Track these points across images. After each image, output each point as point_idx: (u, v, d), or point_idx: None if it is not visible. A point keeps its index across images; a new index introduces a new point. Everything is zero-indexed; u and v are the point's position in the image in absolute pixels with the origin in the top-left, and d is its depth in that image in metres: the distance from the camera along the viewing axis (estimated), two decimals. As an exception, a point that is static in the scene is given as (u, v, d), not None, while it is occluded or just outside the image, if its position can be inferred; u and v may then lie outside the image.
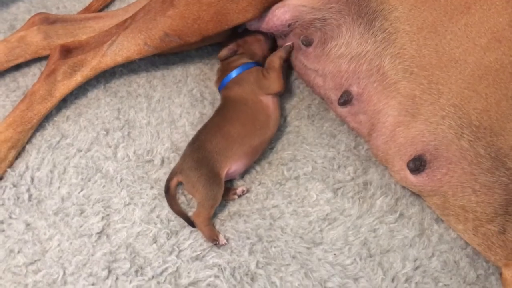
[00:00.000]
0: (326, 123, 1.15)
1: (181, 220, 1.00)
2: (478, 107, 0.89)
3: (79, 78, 1.07)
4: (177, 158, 1.06)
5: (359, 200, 1.05)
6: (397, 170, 0.98)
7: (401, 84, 0.98)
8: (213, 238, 0.96)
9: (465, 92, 0.90)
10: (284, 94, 1.16)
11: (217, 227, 0.99)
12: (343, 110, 1.06)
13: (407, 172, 0.96)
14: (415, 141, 0.95)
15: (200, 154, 0.99)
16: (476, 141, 0.89)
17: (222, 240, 0.96)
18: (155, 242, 0.98)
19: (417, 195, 1.06)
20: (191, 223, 1.00)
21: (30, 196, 1.01)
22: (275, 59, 1.08)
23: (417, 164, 0.93)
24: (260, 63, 1.14)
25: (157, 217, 1.01)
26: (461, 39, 0.92)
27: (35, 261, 0.95)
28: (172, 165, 1.05)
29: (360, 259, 0.98)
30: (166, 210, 1.02)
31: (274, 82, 1.05)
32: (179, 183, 1.01)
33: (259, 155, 1.06)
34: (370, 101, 1.01)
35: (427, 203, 1.02)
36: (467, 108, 0.90)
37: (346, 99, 1.04)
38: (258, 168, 1.08)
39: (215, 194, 0.96)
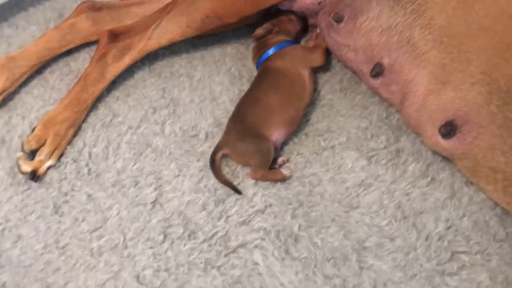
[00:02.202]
0: (358, 96, 1.21)
1: (227, 189, 1.09)
2: (506, 73, 0.94)
3: (127, 60, 1.15)
4: (220, 133, 1.14)
5: (392, 167, 1.11)
6: (429, 136, 1.04)
7: (431, 54, 1.03)
8: (281, 177, 1.06)
9: (494, 59, 0.95)
10: (317, 69, 1.23)
11: (260, 193, 1.07)
12: (375, 82, 1.12)
13: (439, 137, 1.02)
14: (446, 108, 1.00)
15: (244, 126, 1.07)
16: (505, 106, 0.94)
17: (287, 172, 1.06)
18: (204, 209, 1.08)
19: (447, 160, 1.12)
20: (237, 191, 1.08)
21: (89, 170, 1.11)
22: (322, 39, 1.17)
23: (448, 129, 0.99)
24: (296, 41, 1.21)
25: (205, 186, 1.10)
26: (490, 8, 0.96)
27: (98, 228, 1.05)
28: (216, 139, 1.14)
29: (395, 221, 1.05)
30: (212, 180, 1.10)
31: (319, 57, 1.14)
32: (224, 156, 1.11)
33: (296, 125, 1.13)
34: (401, 71, 1.07)
35: (458, 167, 1.08)
36: (496, 74, 0.94)
37: (378, 71, 1.09)
38: (295, 139, 1.15)
39: (267, 154, 1.05)
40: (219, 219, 1.07)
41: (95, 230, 1.05)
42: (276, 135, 1.09)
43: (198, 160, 1.13)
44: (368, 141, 1.14)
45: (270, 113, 1.08)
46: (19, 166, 1.08)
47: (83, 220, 1.06)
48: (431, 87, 1.04)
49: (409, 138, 1.15)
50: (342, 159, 1.12)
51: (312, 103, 1.18)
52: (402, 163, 1.12)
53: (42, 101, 1.18)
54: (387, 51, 1.08)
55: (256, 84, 1.14)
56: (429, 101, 1.04)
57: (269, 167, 1.09)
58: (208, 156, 1.12)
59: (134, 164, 1.12)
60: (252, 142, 1.07)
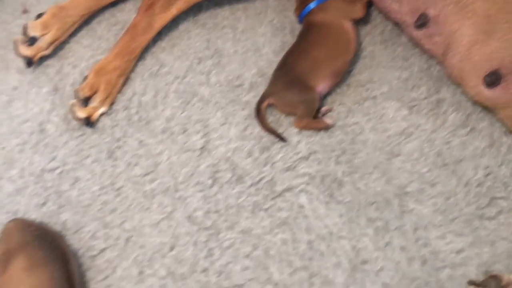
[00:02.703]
0: (398, 48, 1.22)
1: (272, 137, 1.12)
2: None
3: (174, 10, 1.17)
4: (264, 83, 1.17)
5: (433, 116, 1.14)
6: (472, 86, 1.06)
7: (477, 5, 1.04)
8: (324, 126, 1.10)
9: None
10: (358, 21, 1.24)
11: (304, 140, 1.11)
12: (418, 33, 1.13)
13: (483, 87, 1.04)
14: (491, 58, 1.02)
15: (291, 76, 1.10)
16: (550, 55, 0.95)
17: (330, 121, 1.10)
18: (250, 156, 1.12)
19: (487, 110, 1.14)
20: (282, 138, 1.12)
21: (139, 118, 1.15)
22: None
23: (493, 79, 1.01)
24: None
25: (250, 134, 1.14)
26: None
27: (150, 172, 1.10)
28: (260, 89, 1.17)
29: (436, 168, 1.09)
30: (257, 129, 1.14)
31: (360, 9, 1.16)
32: (269, 105, 1.14)
33: (341, 77, 1.16)
34: (446, 22, 1.08)
35: (499, 117, 1.10)
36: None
37: (422, 21, 1.10)
38: (338, 90, 1.18)
39: (312, 103, 1.09)
40: (265, 165, 1.12)
41: (147, 174, 1.11)
42: (322, 86, 1.12)
43: (243, 109, 1.17)
44: (409, 91, 1.17)
45: (317, 65, 1.11)
46: (73, 113, 1.12)
47: (135, 165, 1.11)
48: (476, 37, 1.05)
49: (450, 89, 1.18)
50: (384, 109, 1.15)
51: (354, 54, 1.21)
52: (442, 113, 1.15)
53: (91, 50, 1.22)
54: (433, 2, 1.09)
55: (303, 37, 1.16)
56: (473, 52, 1.05)
57: (313, 116, 1.14)
58: (252, 105, 1.16)
59: (182, 112, 1.16)
60: (299, 92, 1.10)
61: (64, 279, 0.93)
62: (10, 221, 1.01)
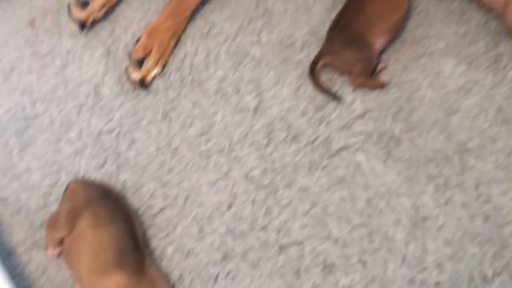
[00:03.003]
0: (454, 2, 1.18)
1: (325, 96, 1.11)
2: None
3: (224, -30, 1.17)
4: (316, 42, 1.15)
5: (492, 71, 1.10)
6: (536, 37, 1.03)
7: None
8: (380, 83, 1.08)
9: None
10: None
11: (359, 99, 1.09)
12: (477, -15, 1.10)
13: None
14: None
15: (348, 34, 1.08)
16: None
17: (386, 79, 1.09)
18: (304, 115, 1.11)
19: (549, 64, 1.11)
20: (336, 97, 1.10)
21: (192, 79, 1.15)
22: None
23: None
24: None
25: (304, 94, 1.13)
26: None
27: (205, 132, 1.11)
28: (312, 48, 1.15)
29: (496, 124, 1.06)
30: (310, 88, 1.12)
31: None
32: (324, 65, 1.13)
33: (396, 33, 1.13)
34: (509, -28, 1.04)
35: None
36: None
37: (483, -28, 1.07)
38: (392, 47, 1.15)
39: (370, 60, 1.07)
40: (320, 124, 1.11)
41: (202, 134, 1.11)
42: (379, 42, 1.09)
43: (295, 69, 1.15)
44: (466, 46, 1.13)
45: (373, 21, 1.08)
46: (128, 75, 1.13)
47: (190, 125, 1.12)
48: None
49: (509, 44, 1.13)
50: (441, 65, 1.12)
51: (406, 11, 1.17)
52: (502, 68, 1.11)
53: (141, 13, 1.21)
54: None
55: (357, -7, 1.16)
56: (537, 2, 1.02)
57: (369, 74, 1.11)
58: (305, 65, 1.14)
59: (234, 73, 1.16)
60: (357, 49, 1.08)
61: (129, 236, 0.95)
62: (73, 181, 1.04)
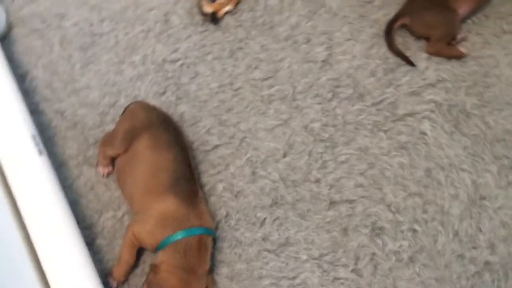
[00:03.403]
0: (546, -17, 1.14)
1: (398, 59, 1.07)
2: None
3: None
4: (395, 2, 1.11)
5: None
6: None
7: None
8: (458, 54, 1.04)
9: None
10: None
11: (433, 67, 1.05)
12: None
13: None
14: None
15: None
16: None
17: (465, 50, 1.05)
18: (373, 76, 1.08)
19: None
20: (410, 62, 1.07)
21: (263, 21, 1.12)
22: None
23: None
24: None
25: (376, 54, 1.09)
26: None
27: (269, 77, 1.09)
28: (391, 8, 1.11)
29: None
30: (383, 49, 1.09)
31: None
32: (401, 26, 1.09)
33: (484, 3, 1.08)
34: None
35: None
36: None
37: None
38: (475, 19, 1.11)
39: (451, 26, 1.03)
40: (388, 86, 1.07)
41: (266, 79, 1.09)
42: (463, 8, 1.05)
43: (371, 27, 1.11)
44: (554, 30, 1.10)
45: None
46: (200, 7, 1.10)
47: (256, 68, 1.09)
48: None
49: None
50: (524, 45, 1.09)
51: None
52: None
53: None
54: None
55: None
56: None
57: (447, 42, 1.07)
58: (381, 24, 1.10)
59: (308, 22, 1.12)
60: (439, 12, 1.04)
61: (185, 164, 0.94)
62: (135, 102, 1.03)
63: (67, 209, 0.89)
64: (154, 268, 0.86)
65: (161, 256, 0.87)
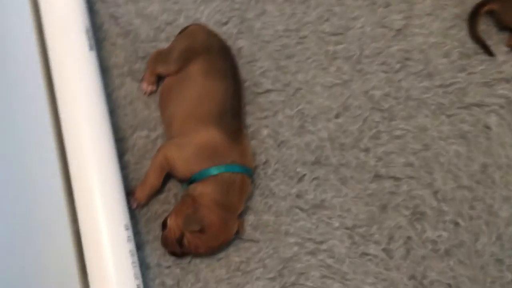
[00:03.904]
0: None
1: (476, 46, 1.00)
2: None
3: None
4: (487, -13, 1.06)
5: None
6: None
7: None
8: None
9: None
10: None
11: (511, 63, 0.99)
12: None
13: None
14: None
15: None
16: None
17: None
18: (447, 57, 1.00)
19: None
20: (489, 52, 0.99)
21: (345, -26, 1.07)
22: None
23: None
24: None
25: (454, 35, 1.02)
26: None
27: (339, 33, 1.01)
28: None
29: None
30: (464, 32, 1.02)
31: None
32: (488, 12, 1.02)
33: None
34: None
35: None
36: None
37: None
38: None
39: None
40: (461, 71, 1.00)
41: (335, 34, 1.01)
42: None
43: (455, 6, 1.04)
44: None
45: None
46: None
47: (326, 20, 1.02)
48: None
49: None
50: None
51: None
52: None
53: None
54: None
55: None
56: None
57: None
58: (467, 6, 1.03)
59: (390, -15, 1.07)
60: (534, 3, 0.98)
61: (235, 98, 0.88)
62: (197, 24, 0.96)
63: (105, 109, 0.83)
64: (192, 201, 0.80)
65: (201, 189, 0.81)
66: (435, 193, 0.92)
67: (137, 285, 0.76)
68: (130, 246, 0.77)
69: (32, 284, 0.66)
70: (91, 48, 0.85)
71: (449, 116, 0.96)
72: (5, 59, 0.75)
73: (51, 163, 0.79)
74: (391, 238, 0.89)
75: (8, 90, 0.73)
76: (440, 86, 0.99)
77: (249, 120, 0.95)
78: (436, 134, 0.95)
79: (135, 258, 0.78)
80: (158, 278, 0.85)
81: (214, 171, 0.82)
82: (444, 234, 0.89)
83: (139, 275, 0.78)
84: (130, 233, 0.78)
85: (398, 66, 1.00)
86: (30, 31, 0.87)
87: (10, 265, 0.61)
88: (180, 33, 0.96)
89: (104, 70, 0.96)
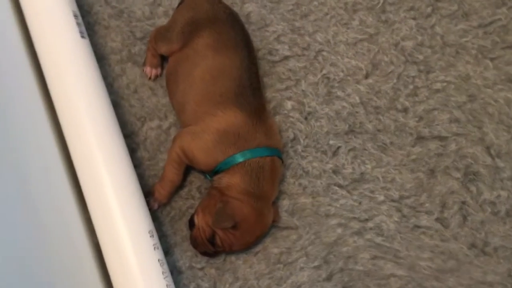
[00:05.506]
0: None
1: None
2: None
3: None
4: None
5: None
6: None
7: None
8: None
9: None
10: None
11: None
12: None
13: None
14: None
15: None
16: None
17: None
18: (483, -8, 0.91)
19: None
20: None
21: None
22: None
23: None
24: None
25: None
26: None
27: (357, -19, 0.91)
28: None
29: None
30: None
31: None
32: None
33: None
34: None
35: None
36: None
37: None
38: None
39: None
40: (501, 6, 0.88)
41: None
42: None
43: None
44: None
45: None
46: None
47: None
48: None
49: None
50: None
51: None
52: None
53: None
54: None
55: None
56: None
57: None
58: None
59: None
60: None
61: (252, 71, 0.77)
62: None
63: (107, 103, 0.73)
64: (220, 194, 0.72)
65: (227, 180, 0.72)
66: (488, 148, 0.82)
67: (172, 296, 0.69)
68: (158, 254, 0.69)
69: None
70: (82, 36, 0.74)
71: (493, 59, 0.85)
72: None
73: (58, 176, 0.70)
74: (444, 206, 0.80)
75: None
76: (479, 26, 0.87)
77: (268, 93, 0.85)
78: (481, 82, 0.85)
79: (166, 267, 0.70)
80: (193, 282, 0.76)
81: (239, 158, 0.72)
82: (503, 193, 0.80)
83: (172, 285, 0.69)
84: (156, 239, 0.70)
85: (428, 9, 0.88)
86: (11, 23, 0.77)
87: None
88: (179, 4, 0.85)
89: (100, 58, 0.85)
